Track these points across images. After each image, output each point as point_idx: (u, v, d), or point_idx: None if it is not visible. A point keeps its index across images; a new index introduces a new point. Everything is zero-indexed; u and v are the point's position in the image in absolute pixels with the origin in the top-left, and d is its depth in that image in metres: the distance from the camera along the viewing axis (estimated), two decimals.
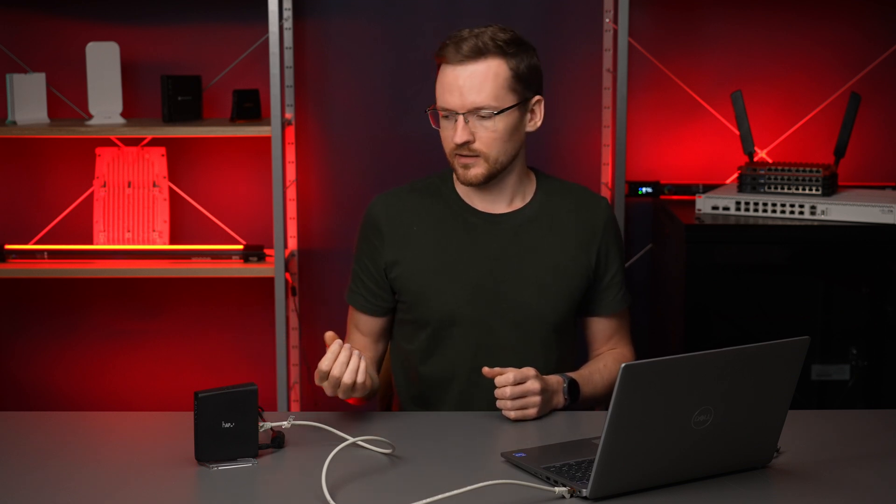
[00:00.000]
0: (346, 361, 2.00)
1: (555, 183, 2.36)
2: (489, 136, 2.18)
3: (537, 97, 2.25)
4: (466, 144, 2.18)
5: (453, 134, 2.19)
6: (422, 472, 1.85)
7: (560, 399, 2.16)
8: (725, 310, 3.11)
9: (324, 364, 1.99)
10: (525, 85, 2.21)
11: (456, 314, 2.25)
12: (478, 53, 2.16)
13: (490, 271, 2.27)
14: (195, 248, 3.46)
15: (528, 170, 2.34)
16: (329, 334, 2.02)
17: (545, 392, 2.10)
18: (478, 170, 2.20)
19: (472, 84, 2.16)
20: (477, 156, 2.19)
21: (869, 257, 3.10)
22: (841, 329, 3.14)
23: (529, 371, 2.09)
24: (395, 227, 2.30)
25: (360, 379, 2.01)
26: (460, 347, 2.27)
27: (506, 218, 2.29)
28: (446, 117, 2.20)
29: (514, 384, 2.07)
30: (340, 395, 2.03)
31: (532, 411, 2.08)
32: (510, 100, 2.19)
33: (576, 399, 2.19)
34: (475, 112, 2.17)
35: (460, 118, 2.17)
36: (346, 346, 2.02)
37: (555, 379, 2.17)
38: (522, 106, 2.22)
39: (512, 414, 2.07)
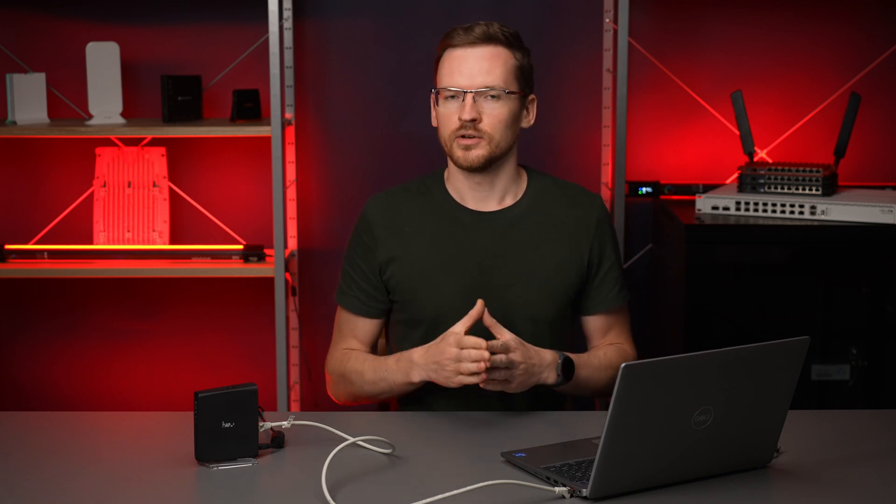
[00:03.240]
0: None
1: (547, 180, 2.37)
2: (495, 117, 2.22)
3: (532, 95, 2.31)
4: (472, 123, 2.21)
5: (458, 112, 2.21)
6: (422, 472, 1.85)
7: (552, 375, 2.16)
8: (725, 310, 3.11)
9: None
10: (525, 80, 2.28)
11: (448, 312, 2.26)
12: (488, 39, 2.22)
13: (482, 269, 2.28)
14: (195, 248, 3.46)
15: (520, 168, 2.36)
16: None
17: (527, 364, 2.10)
18: (479, 151, 2.23)
19: (483, 65, 2.21)
20: (480, 137, 2.22)
21: (869, 257, 3.10)
22: (841, 329, 3.14)
23: (511, 343, 2.09)
24: (387, 227, 2.32)
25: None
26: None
27: (497, 216, 2.31)
28: (451, 98, 2.23)
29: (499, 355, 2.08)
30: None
31: (512, 386, 2.10)
32: (515, 87, 2.24)
33: (569, 378, 2.18)
34: (484, 92, 2.21)
35: (468, 96, 2.20)
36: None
37: (550, 354, 2.16)
38: (522, 99, 2.27)
39: (489, 386, 2.08)
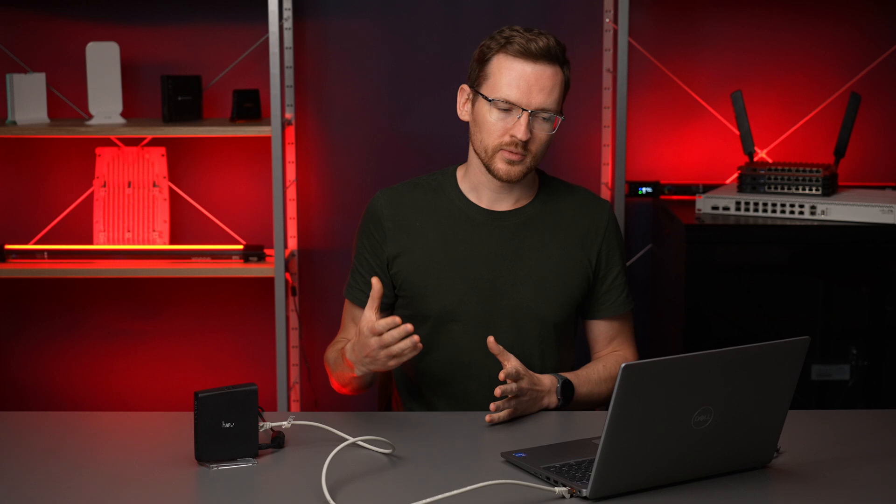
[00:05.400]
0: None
1: (558, 184, 2.38)
2: (542, 139, 2.21)
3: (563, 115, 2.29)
4: (525, 142, 2.19)
5: (509, 127, 2.19)
6: (422, 472, 1.85)
7: (553, 399, 2.17)
8: (725, 310, 3.11)
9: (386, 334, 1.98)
10: (564, 100, 2.25)
11: (455, 310, 2.26)
12: (550, 57, 2.19)
13: (490, 268, 2.27)
14: (195, 248, 3.46)
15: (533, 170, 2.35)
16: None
17: (532, 391, 2.12)
18: (521, 168, 2.22)
19: (544, 85, 2.18)
20: (525, 155, 2.21)
21: (869, 257, 3.10)
22: (841, 329, 3.14)
23: (519, 371, 2.10)
24: (397, 221, 2.31)
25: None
26: (459, 343, 2.28)
27: (508, 216, 2.30)
28: (505, 110, 2.19)
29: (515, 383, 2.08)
30: (379, 361, 2.01)
31: (516, 413, 2.10)
32: (560, 109, 2.23)
33: (570, 400, 2.20)
34: (539, 113, 2.18)
35: (525, 115, 2.17)
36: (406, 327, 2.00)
37: (548, 379, 2.18)
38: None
39: (503, 415, 2.07)
